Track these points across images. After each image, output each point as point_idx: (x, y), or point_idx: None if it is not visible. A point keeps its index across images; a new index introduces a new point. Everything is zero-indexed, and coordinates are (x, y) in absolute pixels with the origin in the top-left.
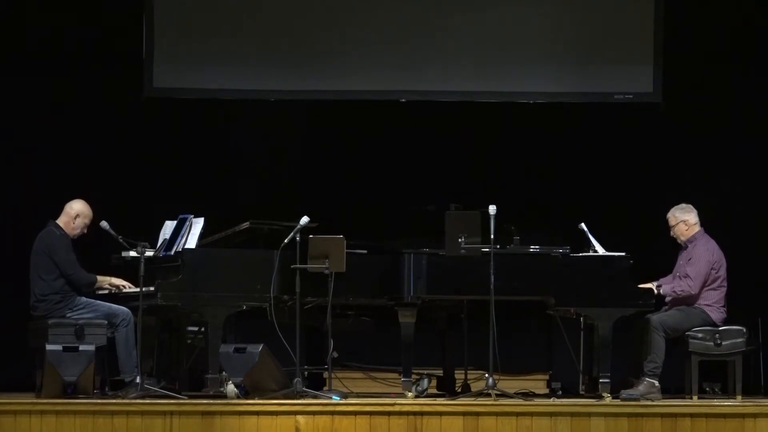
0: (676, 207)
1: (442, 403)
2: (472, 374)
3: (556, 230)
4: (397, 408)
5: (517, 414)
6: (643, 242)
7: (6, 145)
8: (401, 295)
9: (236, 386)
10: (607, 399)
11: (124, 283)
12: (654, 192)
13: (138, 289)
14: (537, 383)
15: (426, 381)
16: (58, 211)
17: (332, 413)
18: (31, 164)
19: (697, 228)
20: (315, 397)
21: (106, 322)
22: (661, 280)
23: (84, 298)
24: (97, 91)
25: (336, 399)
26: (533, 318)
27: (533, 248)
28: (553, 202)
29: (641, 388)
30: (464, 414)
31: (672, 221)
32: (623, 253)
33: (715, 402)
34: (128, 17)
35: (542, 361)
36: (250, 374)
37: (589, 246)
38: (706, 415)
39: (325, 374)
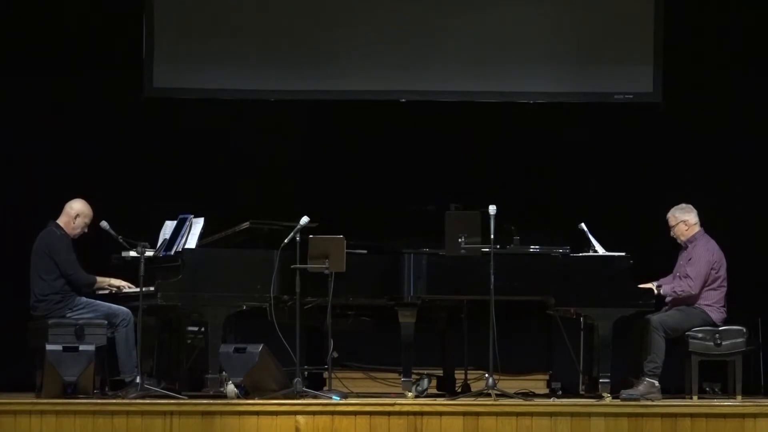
0: (676, 207)
1: (442, 403)
2: (472, 374)
3: (556, 230)
4: (397, 408)
5: (517, 414)
6: (643, 242)
7: (6, 145)
8: (401, 295)
9: (236, 386)
10: (607, 399)
11: (124, 283)
12: (654, 192)
13: (138, 289)
14: (537, 383)
15: (426, 381)
16: (58, 211)
17: (332, 413)
18: (31, 164)
19: (697, 228)
20: (315, 397)
21: (106, 322)
22: (661, 280)
23: (84, 298)
24: (97, 91)
25: (336, 399)
26: (533, 318)
27: (533, 248)
28: (553, 202)
29: (641, 388)
30: (464, 414)
31: (672, 221)
32: (623, 253)
33: (715, 402)
34: (128, 17)
35: (542, 361)
36: (250, 374)
37: (589, 246)
38: (706, 415)
39: (325, 374)
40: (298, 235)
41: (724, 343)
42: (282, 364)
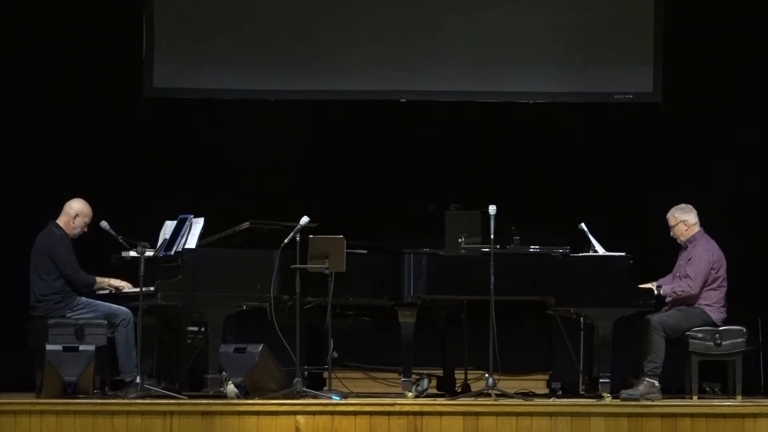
0: (675, 207)
1: (442, 403)
2: (472, 374)
3: (556, 230)
4: (397, 408)
5: (517, 414)
6: (643, 242)
7: (6, 145)
8: (401, 295)
9: (236, 386)
10: (607, 399)
11: (124, 284)
12: (654, 192)
13: (138, 289)
14: (537, 383)
15: (426, 381)
16: (58, 211)
17: (332, 413)
18: (31, 164)
19: (697, 228)
20: (315, 397)
21: (106, 322)
22: (661, 281)
23: (84, 298)
24: (97, 91)
25: (336, 399)
26: (533, 318)
27: (533, 248)
28: (553, 202)
29: (641, 388)
30: (464, 414)
31: (672, 221)
32: (623, 253)
33: (715, 402)
34: (128, 17)
35: (542, 361)
36: (250, 374)
37: (589, 246)
38: (706, 415)
39: (325, 374)
40: (298, 235)
41: (724, 343)
42: (282, 364)
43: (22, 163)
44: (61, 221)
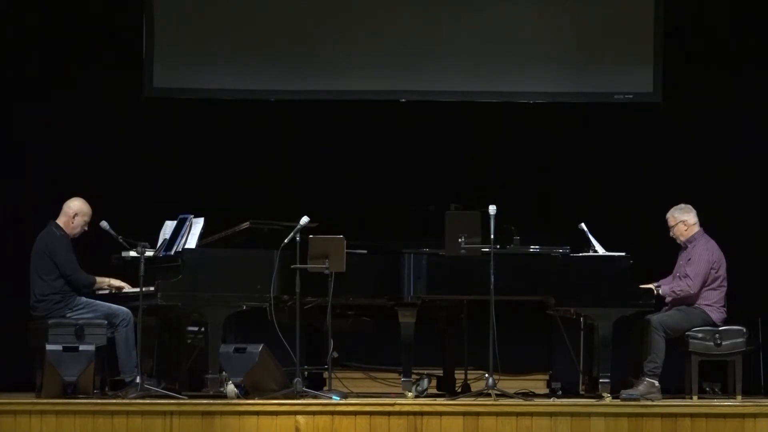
0: (675, 207)
1: (442, 403)
2: (472, 374)
3: (556, 230)
4: (397, 408)
5: (517, 414)
6: (643, 242)
7: (6, 145)
8: (401, 295)
9: (236, 386)
10: (607, 399)
11: (123, 284)
12: (654, 192)
13: (138, 289)
14: (537, 383)
15: (426, 381)
16: (58, 211)
17: (332, 413)
18: (31, 164)
19: (697, 228)
20: (315, 397)
21: (106, 322)
22: (661, 281)
23: (84, 298)
24: (97, 91)
25: (336, 399)
26: (533, 318)
27: (533, 248)
28: (553, 203)
29: (641, 388)
30: (464, 414)
31: (671, 221)
32: (623, 253)
33: (715, 402)
34: (128, 17)
35: (542, 361)
36: (250, 374)
37: (589, 246)
38: (706, 415)
39: (325, 374)
40: (298, 235)
41: (724, 343)
42: (282, 364)
43: (22, 163)
44: (60, 221)
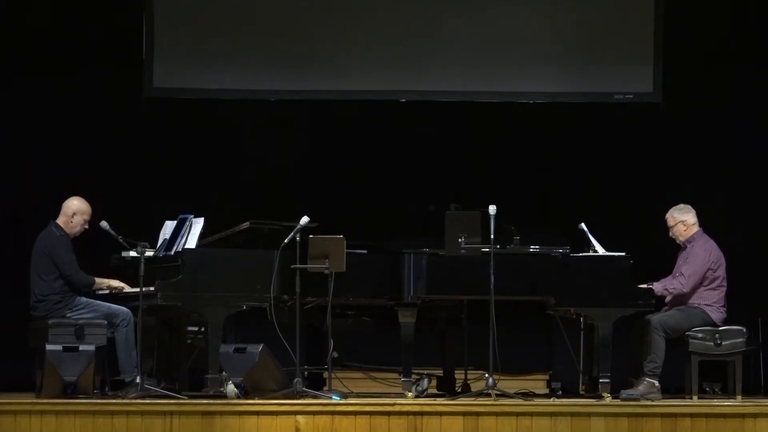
0: (674, 207)
1: (442, 403)
2: (472, 374)
3: (556, 230)
4: (397, 408)
5: (517, 414)
6: (643, 242)
7: (6, 144)
8: (401, 295)
9: (236, 386)
10: (607, 399)
11: (123, 285)
12: (654, 192)
13: (138, 289)
14: (537, 383)
15: (426, 381)
16: (58, 210)
17: (332, 413)
18: (31, 164)
19: (696, 228)
20: (315, 397)
21: (106, 322)
22: (661, 281)
23: (84, 298)
24: (97, 91)
25: (336, 399)
26: (533, 318)
27: (533, 248)
28: (553, 202)
29: (641, 388)
30: (464, 414)
31: (670, 222)
32: (623, 253)
33: (715, 402)
34: (128, 17)
35: (542, 361)
36: (250, 374)
37: (589, 246)
38: (706, 415)
39: (325, 374)
40: (298, 235)
41: (724, 343)
42: (282, 364)
43: (22, 163)
44: (60, 221)
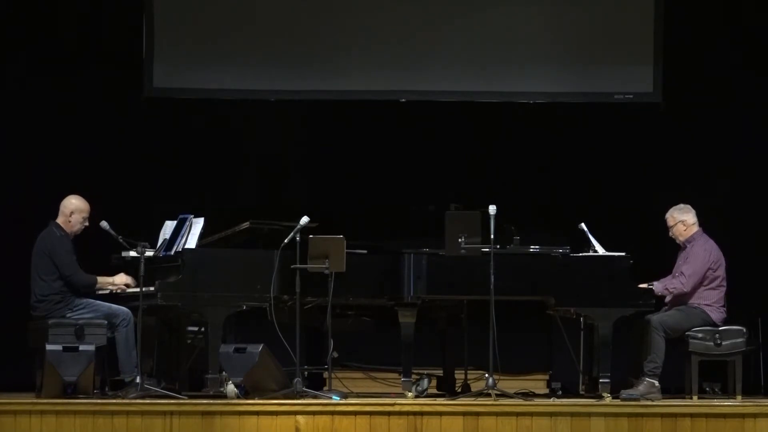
0: (674, 207)
1: (442, 403)
2: (472, 374)
3: (556, 230)
4: (397, 408)
5: (517, 414)
6: (643, 242)
7: (6, 144)
8: (401, 295)
9: (236, 386)
10: (607, 399)
11: (128, 280)
12: (654, 192)
13: (138, 289)
14: (537, 383)
15: (426, 381)
16: (57, 211)
17: (332, 413)
18: (31, 164)
19: (696, 228)
20: (315, 397)
21: (106, 322)
22: (661, 281)
23: (84, 298)
24: (97, 91)
25: (336, 399)
26: (533, 318)
27: (533, 248)
28: (553, 202)
29: (641, 388)
30: (464, 414)
31: (670, 221)
32: (623, 253)
33: (715, 402)
34: (128, 17)
35: (542, 361)
36: (250, 374)
37: (589, 246)
38: (706, 415)
39: (325, 374)
40: (298, 235)
41: (724, 343)
42: (282, 364)
43: (22, 163)
44: (60, 221)
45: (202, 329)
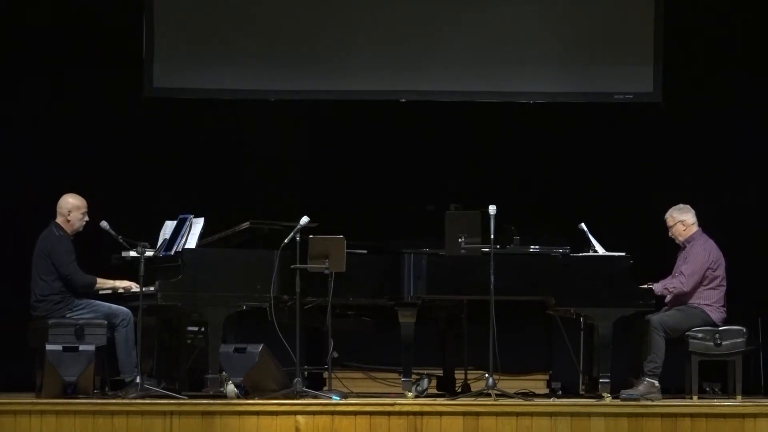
0: (673, 207)
1: (442, 403)
2: (472, 374)
3: (556, 230)
4: (397, 408)
5: (517, 414)
6: (643, 242)
7: (6, 144)
8: (401, 295)
9: (236, 386)
10: (607, 399)
11: (130, 284)
12: (654, 192)
13: (138, 289)
14: (537, 383)
15: (426, 381)
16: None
17: (332, 413)
18: (31, 164)
19: (695, 228)
20: (315, 397)
21: (106, 322)
22: (660, 282)
23: (84, 299)
24: (97, 91)
25: (336, 399)
26: (533, 318)
27: (533, 248)
28: (553, 202)
29: (641, 388)
30: (464, 414)
31: (670, 221)
32: (623, 253)
33: (715, 402)
34: (128, 17)
35: (542, 361)
36: (250, 374)
37: (589, 246)
38: (706, 415)
39: (325, 374)
40: (298, 235)
41: (724, 343)
42: (282, 364)
43: (22, 163)
44: (59, 221)
45: (202, 329)
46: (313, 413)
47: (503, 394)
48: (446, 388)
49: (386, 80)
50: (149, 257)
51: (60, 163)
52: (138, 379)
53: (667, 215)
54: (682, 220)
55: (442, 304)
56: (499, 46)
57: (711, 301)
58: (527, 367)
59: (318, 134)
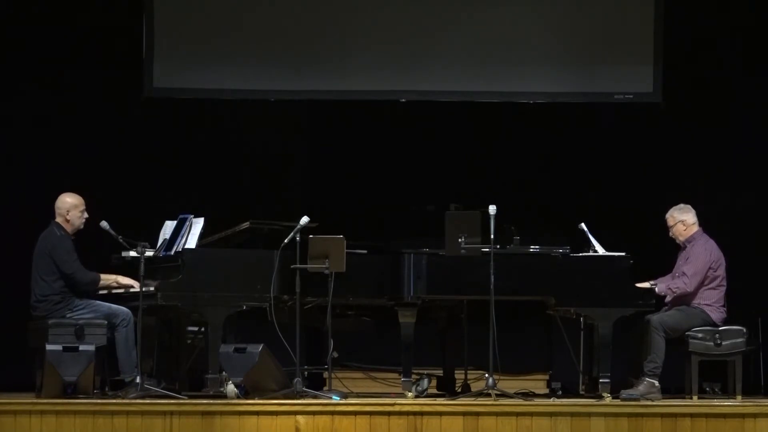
0: (674, 207)
1: (442, 403)
2: (472, 374)
3: (556, 230)
4: (397, 408)
5: (517, 414)
6: (643, 242)
7: (6, 144)
8: (401, 295)
9: (236, 386)
10: (607, 399)
11: (132, 282)
12: (654, 192)
13: (138, 289)
14: (537, 383)
15: (426, 381)
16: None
17: (332, 413)
18: (31, 164)
19: (696, 228)
20: (315, 397)
21: (106, 322)
22: (659, 279)
23: (84, 299)
24: (97, 91)
25: (336, 399)
26: (533, 318)
27: (533, 248)
28: (553, 202)
29: (641, 388)
30: (464, 414)
31: (670, 221)
32: (623, 253)
33: (715, 402)
34: (128, 17)
35: (542, 361)
36: (250, 374)
37: (589, 246)
38: (706, 415)
39: (325, 374)
40: (298, 235)
41: (724, 343)
42: (282, 364)
43: (22, 163)
44: (59, 221)
45: (202, 329)
46: (313, 413)
47: (503, 394)
48: (446, 388)
49: (386, 80)
50: (149, 257)
51: (60, 163)
52: (138, 379)
53: (668, 215)
54: (683, 220)
55: (442, 304)
56: (499, 46)
57: (711, 301)
58: (527, 367)
59: (318, 134)
